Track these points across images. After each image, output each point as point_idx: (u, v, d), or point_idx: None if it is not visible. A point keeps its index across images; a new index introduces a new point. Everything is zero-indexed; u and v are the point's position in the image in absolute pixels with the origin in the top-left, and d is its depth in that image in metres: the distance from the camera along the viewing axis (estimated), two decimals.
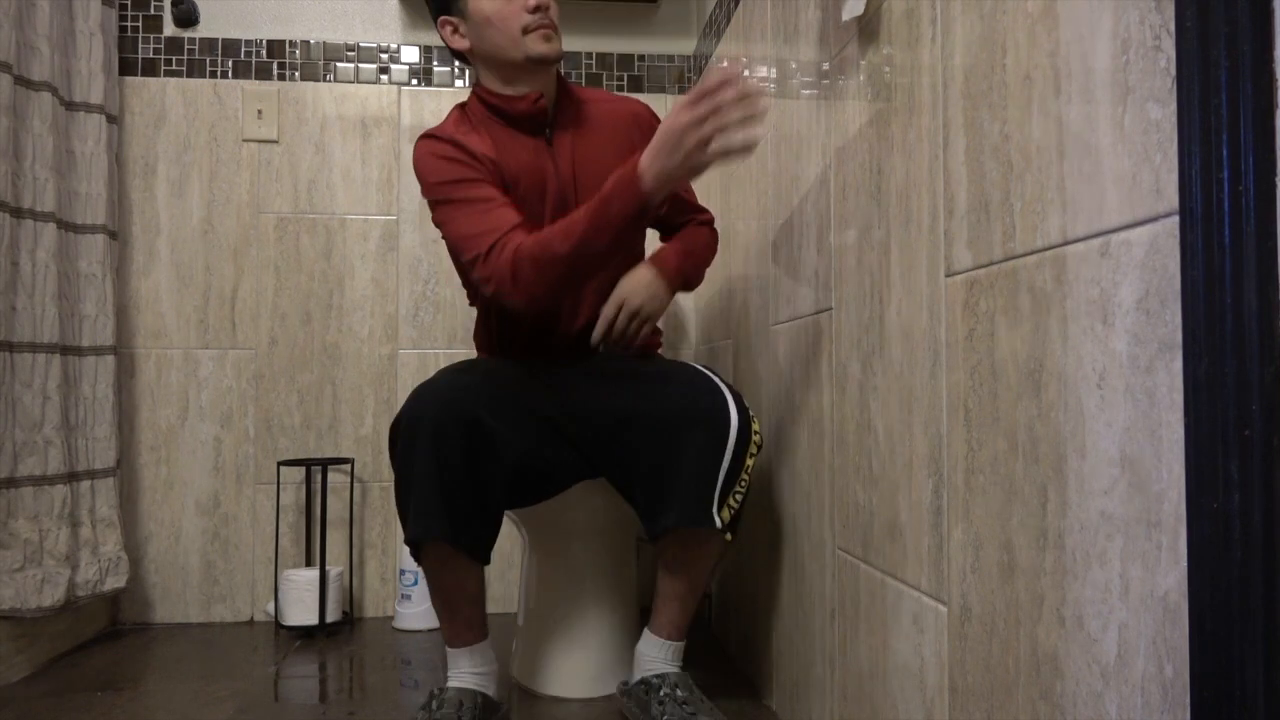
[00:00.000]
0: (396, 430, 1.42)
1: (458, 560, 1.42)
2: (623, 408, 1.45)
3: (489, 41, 1.53)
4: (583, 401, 1.47)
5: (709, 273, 2.23)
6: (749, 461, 1.42)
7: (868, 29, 1.14)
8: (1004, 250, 0.81)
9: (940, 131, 0.94)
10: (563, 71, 1.72)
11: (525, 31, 1.50)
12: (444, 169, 1.50)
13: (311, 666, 1.92)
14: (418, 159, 1.54)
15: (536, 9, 1.50)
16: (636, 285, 1.53)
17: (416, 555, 1.43)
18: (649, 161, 1.25)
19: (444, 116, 1.63)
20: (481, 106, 1.57)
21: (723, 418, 1.41)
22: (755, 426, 1.43)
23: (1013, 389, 0.80)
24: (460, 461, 1.37)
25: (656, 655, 1.49)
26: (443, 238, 1.54)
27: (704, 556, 1.47)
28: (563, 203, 1.53)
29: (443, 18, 1.57)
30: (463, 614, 1.48)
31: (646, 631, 1.51)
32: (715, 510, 1.39)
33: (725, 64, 1.22)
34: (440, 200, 1.50)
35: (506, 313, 1.59)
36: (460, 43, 1.57)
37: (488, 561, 1.45)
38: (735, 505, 1.41)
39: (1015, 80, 0.79)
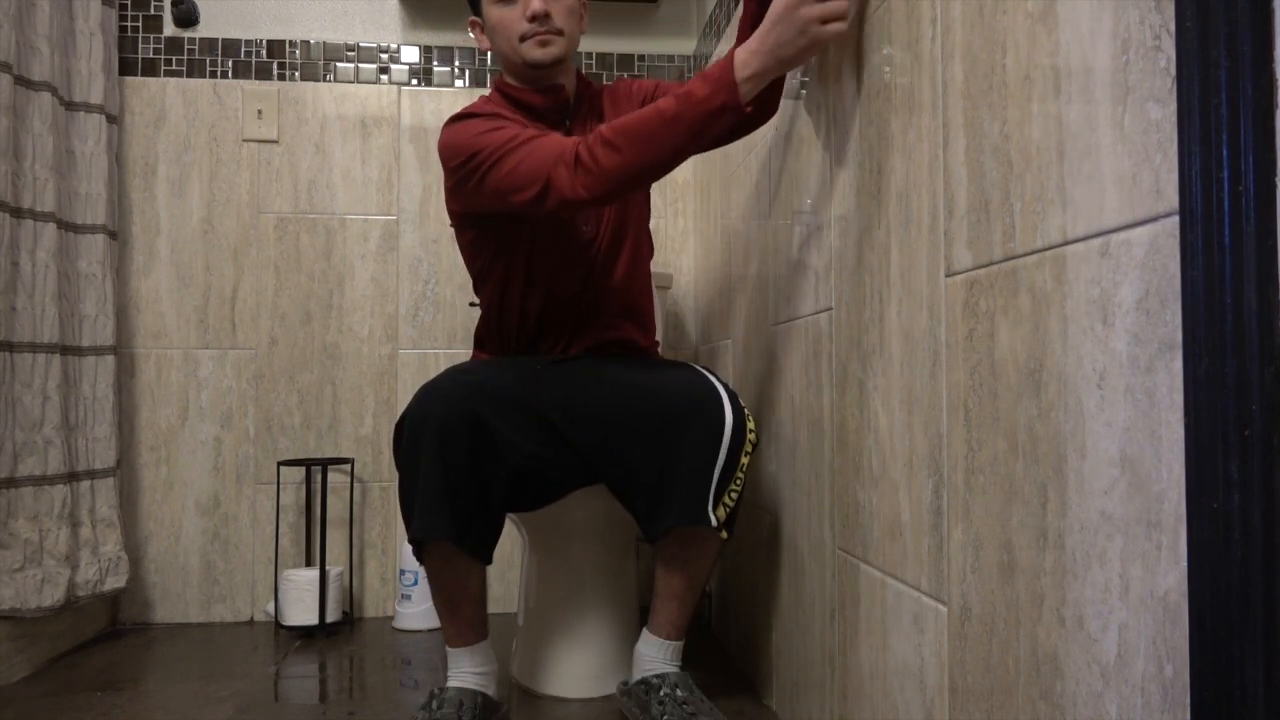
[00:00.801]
0: (401, 429, 1.43)
1: (460, 560, 1.43)
2: (619, 408, 1.45)
3: (497, 46, 1.59)
4: (581, 402, 1.47)
5: (709, 273, 2.23)
6: (744, 460, 1.42)
7: (868, 29, 1.14)
8: (1004, 250, 0.81)
9: (940, 131, 0.94)
10: None
11: (522, 39, 1.54)
12: (483, 123, 1.47)
13: (311, 666, 1.92)
14: (450, 135, 1.49)
15: (534, 18, 1.52)
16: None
17: (419, 554, 1.44)
18: (757, 43, 1.20)
19: (444, 117, 1.65)
20: (505, 99, 1.59)
21: (717, 415, 1.41)
22: (751, 425, 1.44)
23: (1013, 389, 0.80)
24: (465, 461, 1.37)
25: (656, 655, 1.49)
26: (485, 187, 1.44)
27: (702, 555, 1.47)
28: None
29: (472, 18, 1.64)
30: (464, 613, 1.48)
31: (646, 631, 1.51)
32: (710, 508, 1.39)
33: None
34: (482, 151, 1.43)
35: (513, 311, 1.60)
36: (484, 43, 1.63)
37: (489, 562, 1.46)
38: (730, 504, 1.41)
39: (1015, 80, 0.79)
